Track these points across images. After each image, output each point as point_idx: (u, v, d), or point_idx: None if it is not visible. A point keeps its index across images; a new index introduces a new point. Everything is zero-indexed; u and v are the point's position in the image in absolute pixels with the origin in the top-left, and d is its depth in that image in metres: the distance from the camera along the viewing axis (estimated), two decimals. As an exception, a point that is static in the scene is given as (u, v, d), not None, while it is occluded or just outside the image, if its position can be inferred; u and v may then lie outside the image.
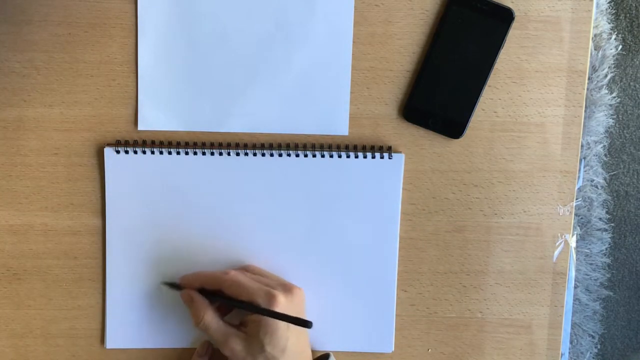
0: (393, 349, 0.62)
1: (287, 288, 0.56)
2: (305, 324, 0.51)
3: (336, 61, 0.60)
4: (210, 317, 0.55)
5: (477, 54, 0.59)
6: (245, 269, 0.59)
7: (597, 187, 0.79)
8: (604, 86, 0.74)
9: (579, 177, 0.62)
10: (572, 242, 0.63)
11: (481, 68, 0.59)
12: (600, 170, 0.78)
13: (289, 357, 0.54)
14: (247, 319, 0.56)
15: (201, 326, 0.55)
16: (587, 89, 0.66)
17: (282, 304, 0.54)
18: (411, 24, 0.60)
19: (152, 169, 0.60)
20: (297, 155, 0.60)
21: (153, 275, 0.61)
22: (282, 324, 0.53)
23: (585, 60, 0.60)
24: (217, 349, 0.61)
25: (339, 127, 0.60)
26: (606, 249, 0.84)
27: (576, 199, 0.62)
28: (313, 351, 0.60)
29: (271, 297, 0.54)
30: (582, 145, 0.63)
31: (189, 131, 0.60)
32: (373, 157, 0.60)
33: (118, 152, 0.59)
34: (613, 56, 0.74)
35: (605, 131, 0.75)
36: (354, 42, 0.59)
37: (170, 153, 0.60)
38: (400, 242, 0.61)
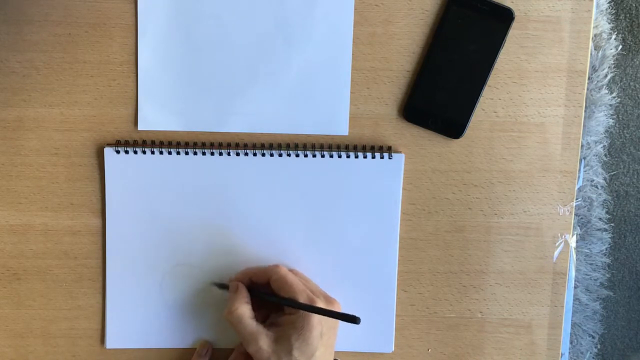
0: (393, 349, 0.62)
1: (329, 299, 0.56)
2: (354, 319, 0.51)
3: (336, 61, 0.60)
4: (245, 311, 0.55)
5: (477, 54, 0.59)
6: (292, 271, 0.59)
7: (597, 187, 0.79)
8: (604, 86, 0.74)
9: (579, 177, 0.62)
10: (572, 242, 0.63)
11: (481, 68, 0.59)
12: (600, 170, 0.78)
13: None
14: (280, 320, 0.55)
15: (234, 316, 0.54)
16: (587, 89, 0.66)
17: None
18: (411, 24, 0.60)
19: (152, 169, 0.60)
20: (297, 155, 0.60)
21: (153, 275, 0.61)
22: (315, 332, 0.53)
23: (585, 60, 0.60)
24: (217, 350, 0.62)
25: (339, 127, 0.60)
26: (606, 249, 0.83)
27: (576, 199, 0.62)
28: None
29: (312, 300, 0.54)
30: (582, 145, 0.63)
31: (189, 131, 0.60)
32: (373, 157, 0.60)
33: (118, 152, 0.59)
34: (613, 56, 0.74)
35: (605, 131, 0.75)
36: (354, 42, 0.59)
37: (170, 153, 0.60)
38: (400, 242, 0.61)
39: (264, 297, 0.57)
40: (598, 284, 0.87)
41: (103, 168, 0.60)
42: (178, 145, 0.60)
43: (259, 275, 0.57)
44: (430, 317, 0.63)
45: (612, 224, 0.90)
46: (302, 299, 0.54)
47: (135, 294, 0.61)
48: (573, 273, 0.67)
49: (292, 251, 0.61)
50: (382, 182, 0.60)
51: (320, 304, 0.54)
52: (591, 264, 0.84)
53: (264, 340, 0.53)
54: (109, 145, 0.60)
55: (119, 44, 0.59)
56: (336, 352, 0.61)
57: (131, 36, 0.59)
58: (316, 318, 0.53)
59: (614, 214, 1.27)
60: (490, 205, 0.61)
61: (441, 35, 0.59)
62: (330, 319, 0.54)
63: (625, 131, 1.26)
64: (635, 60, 1.24)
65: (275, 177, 0.60)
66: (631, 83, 1.25)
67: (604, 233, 0.81)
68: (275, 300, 0.56)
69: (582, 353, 0.87)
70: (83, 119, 0.60)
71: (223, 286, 0.59)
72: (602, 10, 0.72)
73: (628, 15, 1.23)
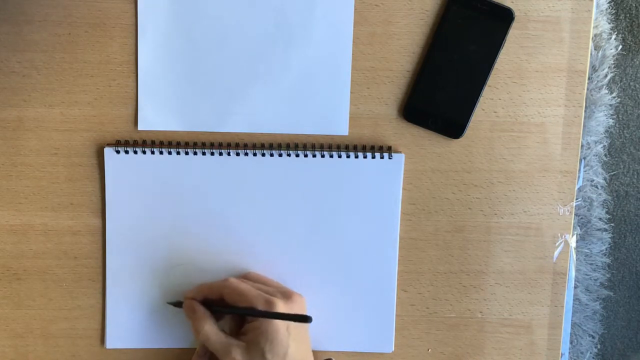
0: (393, 349, 0.62)
1: (287, 295, 0.56)
2: (305, 319, 0.51)
3: (336, 61, 0.60)
4: (210, 327, 0.55)
5: (477, 54, 0.59)
6: (245, 276, 0.59)
7: (597, 187, 0.79)
8: (604, 86, 0.74)
9: (579, 177, 0.62)
10: (572, 242, 0.63)
11: (481, 68, 0.59)
12: (600, 170, 0.78)
13: None
14: (246, 327, 0.56)
15: (201, 336, 0.55)
16: (587, 89, 0.66)
17: (282, 310, 0.54)
18: (411, 24, 0.60)
19: (152, 169, 0.60)
20: (297, 155, 0.60)
21: (153, 276, 0.61)
22: (282, 330, 0.53)
23: (585, 60, 0.60)
24: (217, 349, 0.62)
25: (339, 127, 0.60)
26: (606, 249, 0.84)
27: (576, 199, 0.62)
28: (314, 352, 0.60)
29: (270, 303, 0.54)
30: (582, 145, 0.63)
31: (189, 131, 0.60)
32: (373, 157, 0.60)
33: (118, 152, 0.59)
34: (613, 56, 0.74)
35: (605, 131, 0.75)
36: (354, 42, 0.59)
37: (170, 153, 0.60)
38: (400, 242, 0.61)
39: (221, 310, 0.57)
40: (598, 284, 0.87)
41: (103, 168, 0.60)
42: (178, 145, 0.60)
43: (211, 291, 0.57)
44: (430, 317, 0.62)
45: (612, 224, 0.90)
46: (259, 304, 0.54)
47: (135, 294, 0.61)
48: (573, 273, 0.67)
49: (292, 251, 0.61)
50: (382, 182, 0.60)
51: (279, 302, 0.54)
52: (591, 264, 0.84)
53: (236, 351, 0.54)
54: (109, 145, 0.60)
55: (119, 44, 0.59)
56: (336, 352, 0.61)
57: (131, 36, 0.59)
58: (280, 323, 0.53)
59: (614, 214, 1.27)
60: (490, 205, 0.61)
61: (441, 35, 0.59)
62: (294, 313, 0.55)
63: (625, 131, 1.26)
64: (635, 60, 1.24)
65: (275, 177, 0.60)
66: (631, 83, 1.25)
67: (604, 233, 0.82)
68: (232, 312, 0.56)
69: (582, 353, 0.87)
70: (83, 119, 0.60)
71: (178, 304, 0.59)
72: (602, 10, 0.72)
73: (628, 15, 1.23)
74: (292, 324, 0.54)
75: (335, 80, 0.60)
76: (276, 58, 0.59)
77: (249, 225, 0.60)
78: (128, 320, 0.61)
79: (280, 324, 0.53)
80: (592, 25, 0.60)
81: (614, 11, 0.82)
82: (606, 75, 0.74)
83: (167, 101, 0.60)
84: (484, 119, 0.61)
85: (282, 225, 0.61)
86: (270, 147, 0.60)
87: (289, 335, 0.54)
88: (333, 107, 0.60)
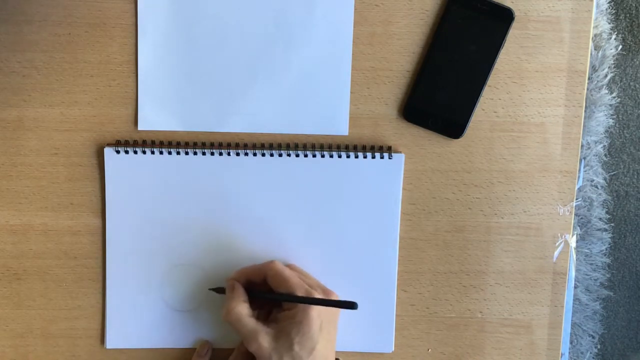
0: (393, 349, 0.62)
1: (326, 292, 0.56)
2: (350, 305, 0.50)
3: (336, 61, 0.60)
4: (243, 309, 0.54)
5: (477, 54, 0.59)
6: (289, 267, 0.59)
7: (597, 187, 0.79)
8: (604, 86, 0.74)
9: (579, 177, 0.62)
10: (572, 242, 0.63)
11: (481, 68, 0.59)
12: (600, 170, 0.78)
13: (315, 359, 0.53)
14: (279, 316, 0.55)
15: (232, 316, 0.54)
16: (587, 89, 0.66)
17: (319, 306, 0.54)
18: (411, 24, 0.60)
19: (152, 169, 0.60)
20: (297, 155, 0.60)
21: (153, 276, 0.61)
22: (315, 325, 0.53)
23: (585, 60, 0.60)
24: (217, 349, 0.62)
25: (339, 127, 0.60)
26: (606, 249, 0.83)
27: (576, 199, 0.62)
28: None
29: (309, 293, 0.54)
30: (582, 145, 0.63)
31: (189, 131, 0.60)
32: (373, 157, 0.60)
33: (118, 152, 0.59)
34: (613, 56, 0.74)
35: (605, 131, 0.75)
36: (354, 42, 0.59)
37: (170, 153, 0.60)
38: (400, 242, 0.61)
39: (261, 295, 0.57)
40: (598, 284, 0.87)
41: (103, 168, 0.60)
42: (178, 145, 0.60)
43: (255, 273, 0.57)
44: (430, 317, 0.62)
45: (612, 224, 0.90)
46: (300, 292, 0.54)
47: (135, 294, 0.61)
48: (573, 273, 0.67)
49: (292, 251, 0.61)
50: (382, 182, 0.60)
51: (318, 296, 0.54)
52: (591, 264, 0.84)
53: (263, 338, 0.53)
54: (109, 145, 0.60)
55: (119, 44, 0.59)
56: (336, 352, 0.61)
57: (131, 36, 0.59)
58: (315, 311, 0.53)
59: (614, 214, 1.27)
60: (490, 205, 0.61)
61: (441, 35, 0.59)
62: (330, 312, 0.54)
63: (625, 131, 1.26)
64: (635, 60, 1.24)
65: (275, 177, 0.60)
66: (631, 83, 1.25)
67: (604, 233, 0.82)
68: (273, 298, 0.56)
69: (582, 353, 0.87)
70: (83, 119, 0.60)
71: (220, 290, 0.59)
72: (602, 10, 0.72)
73: (628, 15, 1.23)
74: (325, 321, 0.54)
75: (335, 80, 0.60)
76: (276, 58, 0.59)
77: (249, 225, 0.60)
78: (128, 320, 0.61)
79: (314, 319, 0.53)
80: (592, 25, 0.60)
81: (614, 11, 0.82)
82: (606, 75, 0.74)
83: (167, 101, 0.60)
84: (484, 119, 0.61)
85: (282, 225, 0.61)
86: (270, 147, 0.60)
87: (320, 332, 0.53)
88: (333, 107, 0.60)
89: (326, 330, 0.54)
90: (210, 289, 0.60)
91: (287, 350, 0.52)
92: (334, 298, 0.56)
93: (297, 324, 0.53)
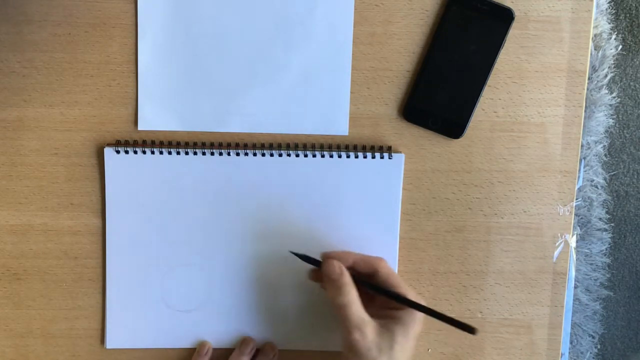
0: (393, 349, 0.62)
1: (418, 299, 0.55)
2: (472, 330, 0.50)
3: (336, 61, 0.60)
4: (355, 297, 0.53)
5: (477, 54, 0.59)
6: None
7: (597, 187, 0.79)
8: (604, 86, 0.74)
9: (579, 177, 0.62)
10: (572, 242, 0.63)
11: (481, 68, 0.59)
12: (600, 170, 0.78)
13: None
14: (382, 313, 0.54)
15: (342, 301, 0.53)
16: (587, 89, 0.66)
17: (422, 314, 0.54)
18: (411, 24, 0.60)
19: (152, 169, 0.60)
20: (297, 155, 0.60)
21: (153, 276, 0.61)
22: (417, 331, 0.53)
23: (585, 60, 0.60)
24: (217, 349, 0.62)
25: (339, 127, 0.60)
26: (606, 249, 0.83)
27: (576, 199, 0.62)
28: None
29: (419, 299, 0.54)
30: (582, 145, 0.63)
31: (189, 131, 0.60)
32: (373, 157, 0.60)
33: (118, 152, 0.59)
34: (613, 56, 0.74)
35: (605, 131, 0.75)
36: (354, 42, 0.59)
37: (170, 153, 0.60)
38: (400, 242, 0.61)
39: (372, 288, 0.55)
40: (598, 284, 0.87)
41: (103, 168, 0.60)
42: (178, 145, 0.60)
43: (364, 263, 0.56)
44: (431, 317, 0.62)
45: (612, 224, 0.90)
46: (411, 296, 0.54)
47: (135, 294, 0.61)
48: (573, 273, 0.67)
49: (292, 250, 0.61)
50: (382, 182, 0.60)
51: (423, 304, 0.54)
52: (591, 264, 0.84)
53: (369, 329, 0.52)
54: (109, 145, 0.60)
55: (119, 44, 0.59)
56: (337, 352, 0.61)
57: (131, 36, 0.59)
58: (420, 317, 0.53)
59: (614, 214, 1.27)
60: (490, 205, 0.61)
61: (441, 35, 0.59)
62: (424, 323, 0.54)
63: (625, 131, 1.26)
64: (635, 60, 1.24)
65: (275, 177, 0.60)
66: (631, 83, 1.25)
67: (604, 233, 0.81)
68: (387, 294, 0.54)
69: (582, 353, 0.87)
70: (83, 119, 0.60)
71: (308, 258, 0.56)
72: (602, 10, 0.72)
73: (628, 15, 1.23)
74: (420, 329, 0.54)
75: (335, 80, 0.60)
76: (276, 58, 0.59)
77: (248, 225, 0.60)
78: (128, 320, 0.61)
79: (418, 324, 0.53)
80: (592, 25, 0.60)
81: (614, 11, 0.82)
82: (606, 75, 0.74)
83: (167, 101, 0.60)
84: (484, 119, 0.61)
85: (281, 225, 0.61)
86: (270, 147, 0.60)
87: (416, 337, 0.54)
88: (333, 107, 0.60)
89: (416, 338, 0.54)
90: (294, 254, 0.57)
91: (388, 348, 0.52)
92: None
93: (404, 326, 0.53)
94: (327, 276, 0.54)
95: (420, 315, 0.53)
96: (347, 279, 0.54)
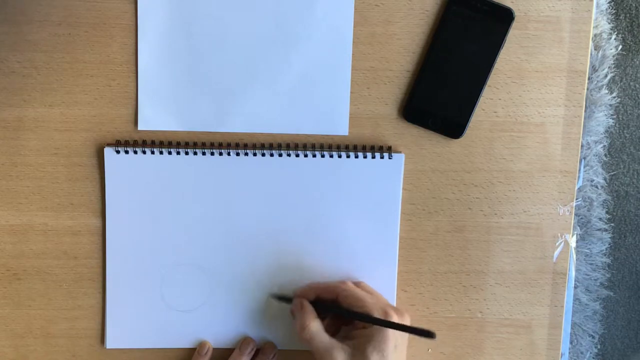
0: (393, 349, 0.62)
1: (399, 311, 0.56)
2: (430, 334, 0.50)
3: (336, 61, 0.60)
4: (316, 326, 0.55)
5: (477, 54, 0.59)
6: (357, 285, 0.59)
7: (597, 187, 0.79)
8: (604, 86, 0.74)
9: (579, 177, 0.62)
10: (572, 242, 0.63)
11: (481, 68, 0.59)
12: (600, 170, 0.78)
13: None
14: (353, 333, 0.55)
15: (305, 334, 0.55)
16: (587, 89, 0.66)
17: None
18: (411, 24, 0.60)
19: (152, 169, 0.60)
20: (297, 155, 0.60)
21: (153, 275, 0.61)
22: (391, 344, 0.53)
23: (585, 60, 0.60)
24: (217, 349, 0.62)
25: (339, 127, 0.60)
26: (606, 249, 0.83)
27: (576, 199, 0.62)
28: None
29: (387, 314, 0.54)
30: (582, 145, 0.63)
31: (189, 131, 0.60)
32: (373, 157, 0.60)
33: (118, 152, 0.59)
34: (613, 56, 0.74)
35: (605, 131, 0.75)
36: (354, 42, 0.59)
37: (170, 153, 0.60)
38: (400, 242, 0.61)
39: (335, 311, 0.57)
40: (598, 284, 0.87)
41: (103, 168, 0.60)
42: (178, 145, 0.60)
43: (325, 291, 0.58)
44: (430, 317, 0.62)
45: (612, 224, 0.90)
46: (376, 313, 0.54)
47: (135, 294, 0.61)
48: (573, 273, 0.67)
49: (292, 251, 0.61)
50: (382, 182, 0.60)
51: (394, 318, 0.54)
52: (591, 264, 0.84)
53: (339, 354, 0.53)
54: (109, 145, 0.60)
55: (119, 44, 0.59)
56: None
57: (131, 36, 0.59)
58: (391, 330, 0.53)
59: (614, 214, 1.27)
60: (490, 205, 0.62)
61: (441, 35, 0.59)
62: (403, 333, 0.54)
63: (625, 131, 1.26)
64: (635, 60, 1.24)
65: (275, 177, 0.60)
66: (631, 83, 1.25)
67: (604, 233, 0.81)
68: (349, 316, 0.56)
69: (582, 353, 0.87)
70: (83, 119, 0.60)
71: (283, 298, 0.59)
72: (602, 10, 0.72)
73: (628, 15, 1.23)
74: (399, 341, 0.54)
75: (335, 80, 0.60)
76: (276, 58, 0.59)
77: (248, 225, 0.60)
78: (128, 320, 0.61)
79: (391, 338, 0.53)
80: (592, 25, 0.60)
81: (614, 11, 0.82)
82: (606, 75, 0.74)
83: (167, 101, 0.60)
84: (484, 119, 0.61)
85: (282, 225, 0.61)
86: (270, 147, 0.60)
87: (395, 351, 0.54)
88: (333, 107, 0.60)
89: (399, 350, 0.54)
90: (272, 296, 0.60)
91: None
92: (406, 319, 0.56)
93: (374, 343, 0.53)
94: (293, 313, 0.57)
95: (387, 329, 0.53)
96: (307, 311, 0.56)
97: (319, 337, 0.55)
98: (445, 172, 0.61)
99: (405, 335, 0.56)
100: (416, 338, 0.62)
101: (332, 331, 0.57)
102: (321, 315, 0.57)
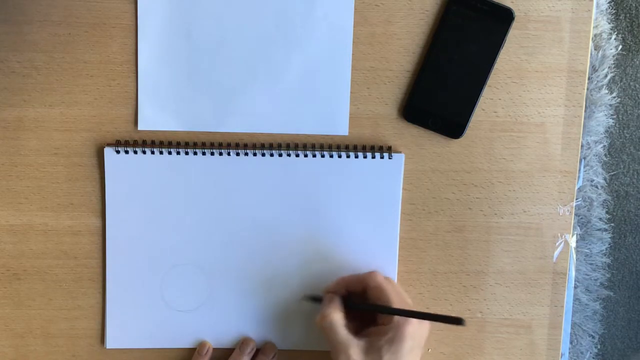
0: (393, 349, 0.62)
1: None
2: (459, 321, 0.50)
3: (336, 61, 0.60)
4: (339, 318, 0.54)
5: (477, 54, 0.59)
6: (386, 279, 0.58)
7: (597, 187, 0.79)
8: (604, 86, 0.74)
9: (579, 177, 0.62)
10: (572, 242, 0.63)
11: (481, 68, 0.59)
12: (600, 170, 0.78)
13: None
14: (371, 331, 0.55)
15: (325, 323, 0.54)
16: (587, 89, 0.66)
17: (414, 324, 0.53)
18: (411, 24, 0.60)
19: (152, 169, 0.60)
20: (297, 155, 0.60)
21: (153, 276, 0.61)
22: (408, 345, 0.52)
23: (585, 60, 0.60)
24: (217, 349, 0.62)
25: (339, 127, 0.60)
26: (606, 249, 0.83)
27: (576, 199, 0.62)
28: (315, 351, 0.60)
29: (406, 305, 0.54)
30: (582, 145, 0.63)
31: (189, 131, 0.60)
32: (373, 157, 0.60)
33: (118, 152, 0.59)
34: (613, 56, 0.74)
35: (605, 131, 0.75)
36: (354, 42, 0.59)
37: (170, 153, 0.60)
38: (400, 242, 0.61)
39: (359, 307, 0.56)
40: (598, 284, 0.87)
41: (103, 168, 0.60)
42: (178, 145, 0.60)
43: (355, 283, 0.57)
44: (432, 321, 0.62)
45: (612, 224, 0.90)
46: (398, 305, 0.54)
47: (135, 294, 0.61)
48: (573, 273, 0.67)
49: (292, 251, 0.61)
50: (382, 182, 0.60)
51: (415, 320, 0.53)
52: (591, 264, 0.84)
53: (354, 350, 0.53)
54: (109, 145, 0.60)
55: (119, 44, 0.59)
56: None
57: (131, 36, 0.59)
58: (409, 331, 0.53)
59: (614, 214, 1.27)
60: (490, 205, 0.61)
61: (441, 35, 0.59)
62: (421, 334, 0.54)
63: (625, 131, 1.26)
64: (635, 60, 1.24)
65: (275, 177, 0.60)
66: (631, 83, 1.25)
67: (604, 233, 0.81)
68: (370, 309, 0.56)
69: (582, 353, 0.87)
70: (83, 119, 0.60)
71: (316, 299, 0.59)
72: (602, 10, 0.72)
73: (628, 15, 1.23)
74: (416, 343, 0.53)
75: (335, 80, 0.60)
76: (276, 58, 0.59)
77: (248, 225, 0.60)
78: (128, 320, 0.61)
79: (407, 339, 0.53)
80: (592, 25, 0.60)
81: (614, 11, 0.82)
82: (606, 75, 0.73)
83: (167, 101, 0.60)
84: (484, 119, 0.61)
85: (281, 225, 0.61)
86: (270, 147, 0.60)
87: (410, 353, 0.53)
88: (333, 107, 0.60)
89: (414, 353, 0.53)
90: (305, 298, 0.60)
91: None
92: (426, 324, 0.55)
93: (389, 341, 0.52)
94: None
95: (410, 329, 0.53)
96: (334, 304, 0.55)
97: (337, 329, 0.54)
98: (445, 172, 0.61)
99: (422, 340, 0.55)
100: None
101: (354, 330, 0.56)
102: (350, 316, 0.56)
